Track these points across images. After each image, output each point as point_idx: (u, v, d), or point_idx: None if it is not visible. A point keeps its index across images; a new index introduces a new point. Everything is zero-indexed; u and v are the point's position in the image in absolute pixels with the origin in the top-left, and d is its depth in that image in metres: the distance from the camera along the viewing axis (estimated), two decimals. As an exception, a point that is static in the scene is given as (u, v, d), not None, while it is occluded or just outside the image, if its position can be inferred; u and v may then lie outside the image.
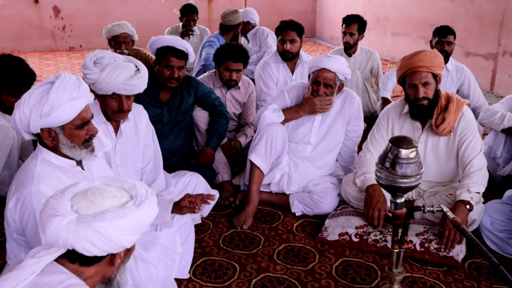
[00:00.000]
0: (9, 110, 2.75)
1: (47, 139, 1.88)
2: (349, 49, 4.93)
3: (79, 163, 2.02)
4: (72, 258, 1.32)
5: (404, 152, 1.99)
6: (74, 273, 1.32)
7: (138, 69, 2.52)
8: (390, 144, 2.03)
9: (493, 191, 3.25)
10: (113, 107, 2.53)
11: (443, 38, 4.26)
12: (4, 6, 8.58)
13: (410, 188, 2.04)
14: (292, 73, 4.35)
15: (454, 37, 4.31)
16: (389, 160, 2.00)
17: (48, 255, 1.30)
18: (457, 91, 4.38)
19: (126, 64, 2.48)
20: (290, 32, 4.18)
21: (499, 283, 2.51)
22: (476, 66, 6.30)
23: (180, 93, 3.38)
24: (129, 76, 2.45)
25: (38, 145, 1.94)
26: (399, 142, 2.02)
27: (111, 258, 1.37)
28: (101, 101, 2.55)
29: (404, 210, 2.11)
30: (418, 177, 2.02)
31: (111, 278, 1.42)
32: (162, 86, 3.27)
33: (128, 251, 1.43)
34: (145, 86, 2.56)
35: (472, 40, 6.49)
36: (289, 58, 4.27)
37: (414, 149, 2.01)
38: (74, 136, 1.90)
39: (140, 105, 2.88)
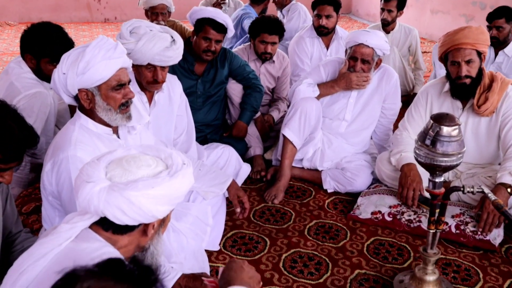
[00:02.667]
0: (47, 78, 2.76)
1: (84, 100, 1.89)
2: (386, 26, 4.77)
3: (116, 131, 2.02)
4: (105, 226, 1.31)
5: (446, 130, 1.92)
6: (108, 241, 1.31)
7: (174, 40, 2.50)
8: (431, 121, 1.96)
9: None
10: (148, 78, 2.53)
11: (489, 23, 3.96)
12: (42, -23, 8.69)
13: (450, 167, 1.98)
14: (327, 48, 4.26)
15: (508, 20, 3.89)
16: (430, 138, 1.93)
17: (82, 222, 1.30)
18: None
19: (162, 35, 2.46)
20: (327, 7, 4.08)
21: (537, 269, 2.43)
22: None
23: (215, 66, 3.34)
24: (164, 47, 2.44)
25: (77, 111, 1.96)
26: (441, 119, 1.95)
27: (144, 228, 1.35)
28: (136, 71, 2.54)
29: (442, 189, 2.05)
30: (459, 156, 1.95)
31: (145, 248, 1.41)
32: (197, 58, 3.24)
33: (163, 222, 1.41)
34: (180, 57, 2.55)
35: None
36: (325, 33, 4.18)
37: (456, 126, 1.94)
38: (110, 98, 1.90)
39: (174, 76, 2.87)
